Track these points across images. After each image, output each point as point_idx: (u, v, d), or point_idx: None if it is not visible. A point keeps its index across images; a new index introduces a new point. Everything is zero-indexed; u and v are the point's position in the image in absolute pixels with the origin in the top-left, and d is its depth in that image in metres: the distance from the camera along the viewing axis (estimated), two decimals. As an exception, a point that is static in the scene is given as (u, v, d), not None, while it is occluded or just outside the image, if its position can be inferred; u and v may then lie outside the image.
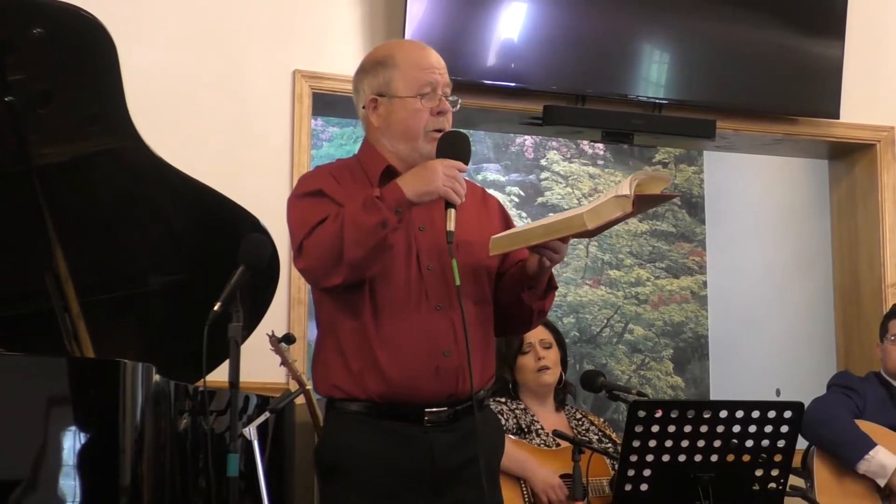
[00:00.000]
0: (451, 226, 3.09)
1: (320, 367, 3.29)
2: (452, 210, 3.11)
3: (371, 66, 3.32)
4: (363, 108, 3.32)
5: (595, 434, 4.77)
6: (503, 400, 4.75)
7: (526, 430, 4.66)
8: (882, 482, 5.01)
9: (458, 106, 3.31)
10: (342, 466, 3.22)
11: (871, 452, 5.01)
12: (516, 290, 3.30)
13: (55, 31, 3.59)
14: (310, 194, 3.23)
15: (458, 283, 3.08)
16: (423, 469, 3.18)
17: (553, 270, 3.34)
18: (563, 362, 4.88)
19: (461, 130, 3.27)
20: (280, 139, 5.36)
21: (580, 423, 4.81)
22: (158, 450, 3.53)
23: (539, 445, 4.63)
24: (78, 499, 3.31)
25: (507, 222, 3.46)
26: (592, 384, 4.55)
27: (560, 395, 4.87)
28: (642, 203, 3.06)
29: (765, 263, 8.05)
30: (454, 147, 3.18)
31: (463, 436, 3.18)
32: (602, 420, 4.96)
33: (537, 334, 4.76)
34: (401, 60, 3.27)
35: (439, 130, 3.24)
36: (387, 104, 3.27)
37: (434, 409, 3.20)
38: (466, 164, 3.16)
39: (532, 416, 4.72)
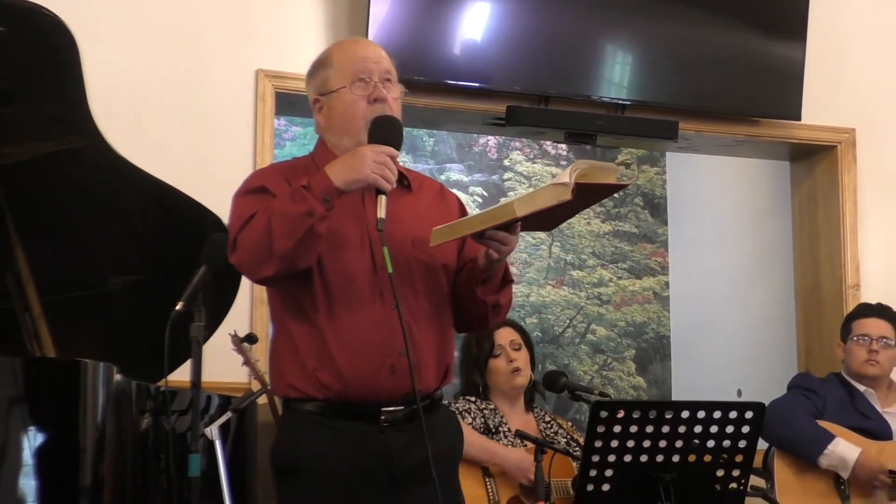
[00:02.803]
0: (381, 213, 3.05)
1: (275, 366, 3.27)
2: (383, 196, 3.07)
3: (313, 69, 3.33)
4: (312, 111, 3.34)
5: (563, 437, 4.78)
6: (472, 399, 4.76)
7: (493, 430, 4.67)
8: (845, 475, 5.02)
9: (402, 93, 3.28)
10: (298, 467, 3.20)
11: (829, 446, 5.03)
12: (471, 285, 3.28)
13: (17, 30, 3.56)
14: (252, 191, 3.22)
15: (389, 271, 3.05)
16: (381, 469, 3.16)
17: (516, 270, 3.33)
18: (532, 363, 4.89)
19: (393, 116, 3.22)
20: (243, 138, 5.35)
21: (549, 425, 4.83)
22: (119, 450, 3.52)
23: (505, 446, 4.64)
24: (38, 499, 3.29)
25: None
26: (555, 384, 4.56)
27: (529, 395, 4.89)
28: (588, 192, 3.00)
29: (726, 264, 8.08)
30: (384, 131, 3.15)
31: (420, 435, 3.14)
32: (570, 424, 4.97)
33: (507, 336, 4.77)
34: (336, 58, 3.27)
35: None
36: (326, 102, 3.26)
37: (390, 409, 3.19)
38: (398, 148, 3.13)
39: (501, 416, 4.73)
